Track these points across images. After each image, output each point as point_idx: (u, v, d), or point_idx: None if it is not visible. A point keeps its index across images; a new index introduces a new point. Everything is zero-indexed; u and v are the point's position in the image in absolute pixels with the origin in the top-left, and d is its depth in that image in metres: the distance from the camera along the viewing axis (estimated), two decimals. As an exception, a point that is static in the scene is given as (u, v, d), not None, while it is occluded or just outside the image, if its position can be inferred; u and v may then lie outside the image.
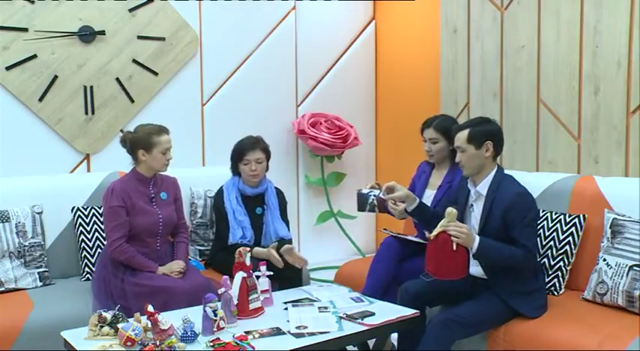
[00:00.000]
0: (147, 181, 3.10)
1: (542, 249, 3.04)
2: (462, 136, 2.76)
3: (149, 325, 2.32)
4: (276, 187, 3.54)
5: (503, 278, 2.71)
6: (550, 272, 2.99)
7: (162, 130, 3.06)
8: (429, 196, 3.23)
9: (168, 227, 3.12)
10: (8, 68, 3.57)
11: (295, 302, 2.82)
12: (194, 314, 2.42)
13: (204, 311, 2.41)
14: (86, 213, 3.36)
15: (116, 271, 2.95)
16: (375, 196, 3.07)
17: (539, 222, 3.09)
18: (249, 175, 3.37)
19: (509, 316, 2.70)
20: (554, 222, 3.04)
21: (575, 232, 2.96)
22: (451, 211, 2.57)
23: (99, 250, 3.30)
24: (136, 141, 3.03)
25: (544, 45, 3.62)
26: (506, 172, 2.82)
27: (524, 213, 2.66)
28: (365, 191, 3.11)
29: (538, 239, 3.05)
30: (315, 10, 4.78)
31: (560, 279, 2.97)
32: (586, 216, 2.98)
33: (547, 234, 3.04)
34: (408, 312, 2.68)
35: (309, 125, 4.55)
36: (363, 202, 3.09)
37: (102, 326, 2.42)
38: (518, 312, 2.68)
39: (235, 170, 3.46)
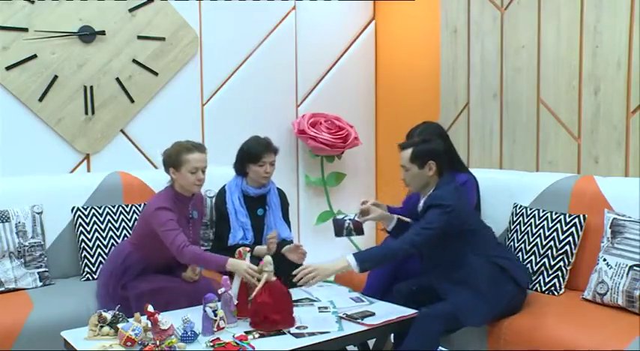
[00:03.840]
0: (187, 201, 3.01)
1: (542, 249, 3.04)
2: (405, 156, 2.83)
3: (149, 325, 2.32)
4: (278, 188, 3.53)
5: (445, 279, 2.76)
6: (550, 272, 2.99)
7: (196, 147, 2.94)
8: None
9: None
10: (8, 68, 3.57)
11: (295, 302, 2.81)
12: (194, 314, 2.42)
13: (204, 311, 2.41)
14: (86, 213, 3.36)
15: (120, 279, 2.92)
16: (350, 220, 3.11)
17: (538, 222, 3.09)
18: (263, 176, 3.35)
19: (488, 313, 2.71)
20: (554, 222, 3.04)
21: (575, 232, 2.97)
22: (267, 259, 2.59)
23: (99, 250, 3.30)
24: (167, 158, 2.95)
25: (544, 45, 3.62)
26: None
27: (430, 208, 2.71)
28: (340, 217, 3.16)
29: (538, 239, 3.06)
30: (315, 10, 4.78)
31: (560, 279, 2.97)
32: (586, 216, 2.98)
33: (547, 234, 3.04)
34: (407, 312, 2.68)
35: (309, 125, 4.54)
36: (339, 228, 3.12)
37: (102, 326, 2.43)
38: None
39: (242, 171, 3.44)
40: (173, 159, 2.92)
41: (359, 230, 3.09)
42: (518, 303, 2.80)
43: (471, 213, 2.88)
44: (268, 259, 2.60)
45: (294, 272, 2.67)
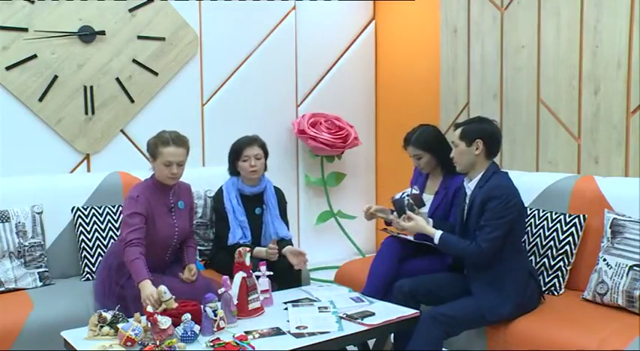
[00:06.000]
0: (167, 190, 2.99)
1: (542, 249, 3.04)
2: (456, 133, 2.85)
3: (149, 325, 2.32)
4: (275, 187, 3.52)
5: (479, 275, 2.74)
6: (550, 272, 2.99)
7: (173, 140, 2.87)
8: (427, 200, 3.23)
9: (181, 238, 3.05)
10: (8, 68, 3.57)
11: (295, 302, 2.82)
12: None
13: (204, 311, 2.41)
14: (86, 213, 3.36)
15: (118, 277, 2.91)
16: (407, 195, 3.08)
17: (538, 222, 3.09)
18: (249, 170, 3.34)
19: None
20: (554, 222, 3.04)
21: (575, 232, 2.97)
22: (161, 289, 2.47)
23: (99, 250, 3.30)
24: (148, 147, 2.94)
25: (544, 45, 3.62)
26: (508, 171, 2.85)
27: (494, 206, 2.65)
28: (398, 196, 3.12)
29: (538, 239, 3.06)
30: (315, 10, 4.78)
31: (560, 279, 2.97)
32: (586, 216, 2.98)
33: (547, 234, 3.04)
34: (408, 312, 2.68)
35: (309, 125, 4.55)
36: (401, 207, 3.07)
37: (102, 326, 2.42)
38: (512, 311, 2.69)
39: (233, 170, 3.45)
40: (152, 149, 2.91)
41: (418, 202, 3.08)
42: (535, 307, 2.79)
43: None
44: (163, 288, 2.48)
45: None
